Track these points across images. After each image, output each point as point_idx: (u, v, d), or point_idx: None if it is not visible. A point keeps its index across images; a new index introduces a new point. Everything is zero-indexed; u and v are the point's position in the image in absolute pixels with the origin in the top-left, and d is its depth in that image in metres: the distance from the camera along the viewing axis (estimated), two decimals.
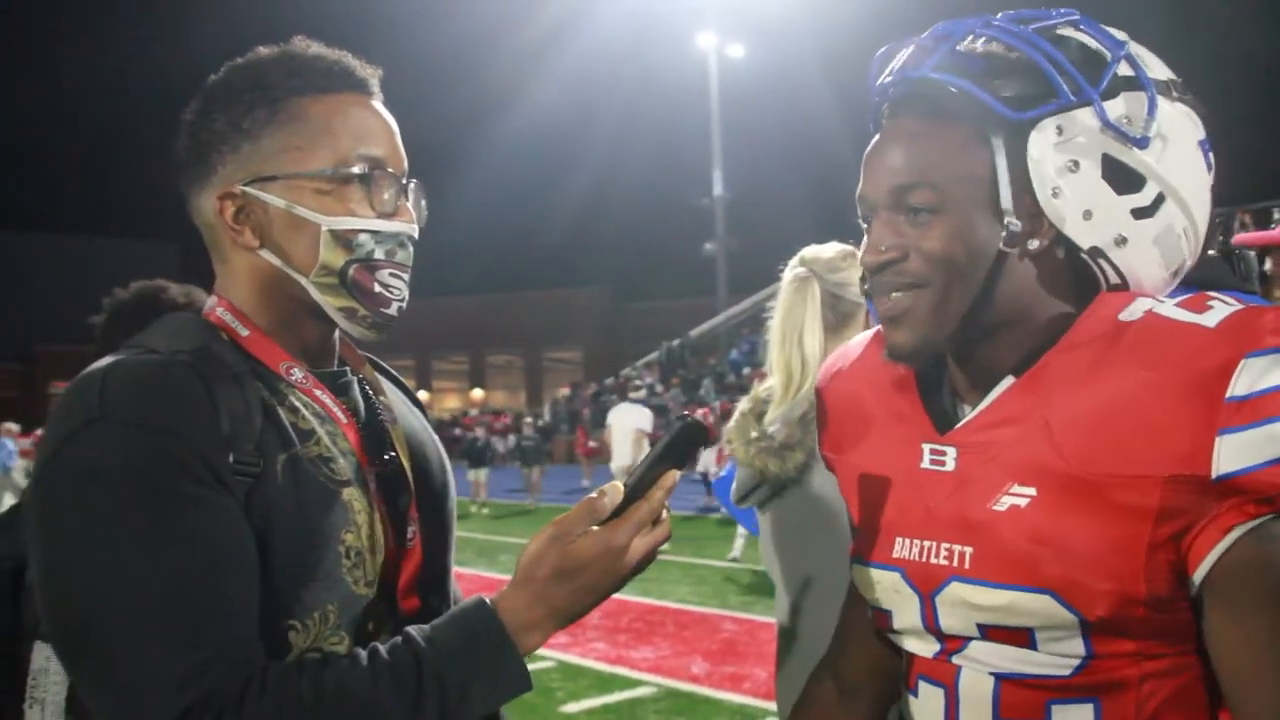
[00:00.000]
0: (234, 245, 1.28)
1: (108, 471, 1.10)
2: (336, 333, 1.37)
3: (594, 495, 1.20)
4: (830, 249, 2.55)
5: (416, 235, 1.32)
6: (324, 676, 1.11)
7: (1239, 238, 2.84)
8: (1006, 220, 1.14)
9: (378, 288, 1.28)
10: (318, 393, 1.30)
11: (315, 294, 1.28)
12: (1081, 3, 1.25)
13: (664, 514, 1.21)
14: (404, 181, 1.31)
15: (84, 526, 1.09)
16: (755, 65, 39.88)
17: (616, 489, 1.20)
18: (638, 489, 1.20)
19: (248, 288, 1.30)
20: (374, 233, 1.27)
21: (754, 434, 2.52)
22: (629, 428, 13.78)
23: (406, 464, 1.36)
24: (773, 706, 5.87)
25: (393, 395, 1.46)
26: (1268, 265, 2.80)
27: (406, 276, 1.31)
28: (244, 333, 1.29)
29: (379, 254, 1.28)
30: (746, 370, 30.12)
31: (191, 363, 1.18)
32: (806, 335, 2.46)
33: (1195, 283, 1.25)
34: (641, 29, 42.49)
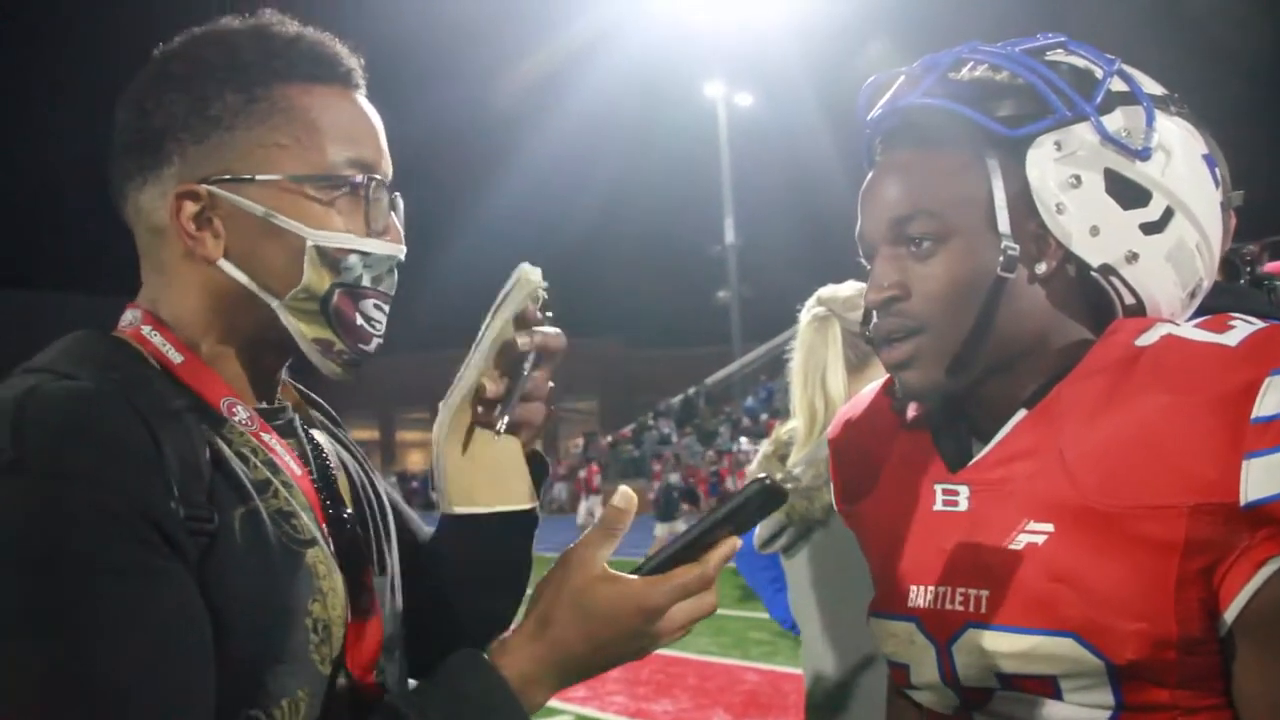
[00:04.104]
0: (185, 254, 1.08)
1: (25, 536, 0.87)
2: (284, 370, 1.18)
3: (608, 508, 1.05)
4: (848, 287, 2.53)
5: (402, 257, 1.15)
6: None
7: (1270, 266, 2.79)
8: (1004, 244, 1.11)
9: (360, 319, 1.10)
10: (266, 437, 1.10)
11: (286, 320, 1.08)
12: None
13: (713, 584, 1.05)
14: (394, 194, 1.14)
15: None
16: (763, 113, 40.30)
17: (627, 495, 1.04)
18: (690, 549, 1.03)
19: (194, 305, 1.09)
20: (364, 254, 1.09)
21: (779, 475, 2.48)
22: None
23: (354, 519, 1.18)
24: None
25: (321, 435, 1.26)
26: None
27: (388, 308, 1.14)
28: (177, 359, 1.07)
29: (366, 279, 1.10)
30: (764, 417, 30.10)
31: (124, 393, 0.96)
32: (829, 375, 2.44)
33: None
34: (649, 79, 43.00)
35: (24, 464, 0.88)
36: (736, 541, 1.05)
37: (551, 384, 1.22)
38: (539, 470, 1.27)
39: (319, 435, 1.23)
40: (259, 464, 1.07)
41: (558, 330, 1.19)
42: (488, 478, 1.22)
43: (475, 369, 1.16)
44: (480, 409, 1.18)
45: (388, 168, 1.14)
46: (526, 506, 1.24)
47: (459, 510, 1.19)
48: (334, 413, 1.33)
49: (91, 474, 0.89)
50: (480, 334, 1.16)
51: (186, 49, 1.10)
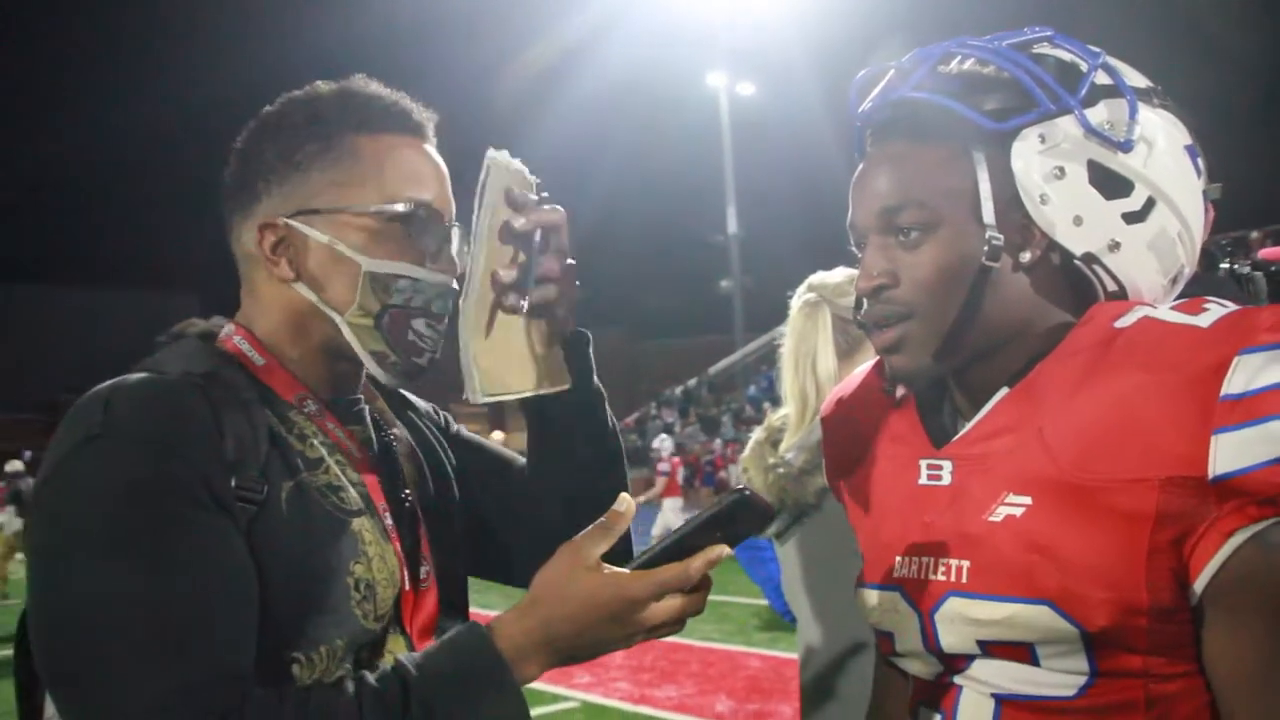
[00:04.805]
0: (268, 277, 1.27)
1: (104, 489, 1.08)
2: (364, 371, 1.33)
3: (609, 511, 1.15)
4: (838, 274, 2.54)
5: (457, 287, 1.28)
6: (307, 706, 1.06)
7: (1266, 252, 2.79)
8: (988, 234, 1.14)
9: (411, 335, 1.26)
10: (330, 425, 1.28)
11: (348, 333, 1.25)
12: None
13: (702, 585, 1.13)
14: (450, 228, 1.29)
15: (74, 545, 1.07)
16: (766, 103, 40.15)
17: (626, 500, 1.16)
18: (673, 550, 1.11)
19: (277, 320, 1.28)
20: (414, 280, 1.25)
21: (771, 461, 2.50)
22: None
23: (416, 500, 1.33)
24: None
25: (400, 428, 1.42)
26: None
27: (442, 327, 1.28)
28: (259, 362, 1.26)
29: (416, 302, 1.25)
30: (766, 405, 30.05)
31: (200, 384, 1.16)
32: (819, 361, 2.45)
33: None
34: (652, 69, 42.86)
35: (109, 435, 1.09)
36: (723, 549, 1.11)
37: (571, 261, 1.30)
38: (579, 348, 1.38)
39: (397, 427, 1.40)
40: (317, 444, 1.25)
41: (554, 205, 1.28)
42: (518, 363, 1.28)
43: (480, 259, 1.23)
44: (502, 297, 1.26)
45: (447, 207, 1.30)
46: (562, 386, 1.33)
47: (489, 398, 1.26)
48: (421, 405, 1.51)
49: (159, 444, 1.10)
50: (474, 226, 1.23)
51: (281, 108, 1.29)
